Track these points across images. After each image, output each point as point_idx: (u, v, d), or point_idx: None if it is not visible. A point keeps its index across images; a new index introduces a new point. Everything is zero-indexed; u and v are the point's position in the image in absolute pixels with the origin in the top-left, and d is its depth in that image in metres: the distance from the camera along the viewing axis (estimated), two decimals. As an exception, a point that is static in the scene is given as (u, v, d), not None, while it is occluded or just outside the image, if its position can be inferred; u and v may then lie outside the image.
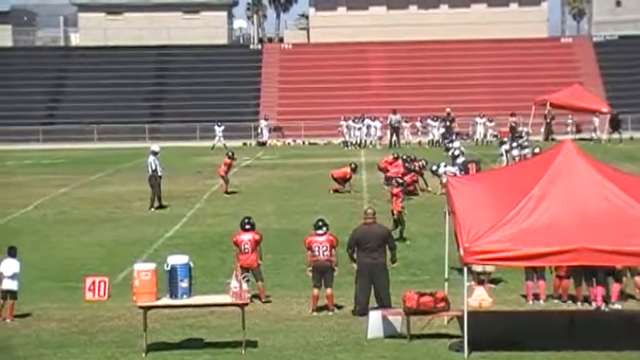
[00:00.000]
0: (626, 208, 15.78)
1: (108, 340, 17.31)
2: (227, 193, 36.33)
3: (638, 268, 18.69)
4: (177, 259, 16.49)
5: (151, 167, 33.43)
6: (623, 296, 19.38)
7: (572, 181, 16.16)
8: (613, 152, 49.75)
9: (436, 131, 59.10)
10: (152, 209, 33.08)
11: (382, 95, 68.48)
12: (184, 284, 16.32)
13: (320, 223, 19.19)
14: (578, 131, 61.43)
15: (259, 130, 63.44)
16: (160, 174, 33.45)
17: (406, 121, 59.28)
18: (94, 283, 20.65)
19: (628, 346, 16.10)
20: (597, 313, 18.64)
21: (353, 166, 36.91)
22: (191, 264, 16.55)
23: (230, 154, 37.51)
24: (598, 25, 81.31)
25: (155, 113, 69.61)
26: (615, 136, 58.18)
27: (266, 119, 64.10)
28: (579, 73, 70.32)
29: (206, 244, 26.52)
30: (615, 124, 58.72)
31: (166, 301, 16.47)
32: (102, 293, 20.55)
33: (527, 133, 56.18)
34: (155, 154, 33.75)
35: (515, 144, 42.41)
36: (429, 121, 59.91)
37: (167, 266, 16.38)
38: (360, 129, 59.23)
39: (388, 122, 59.10)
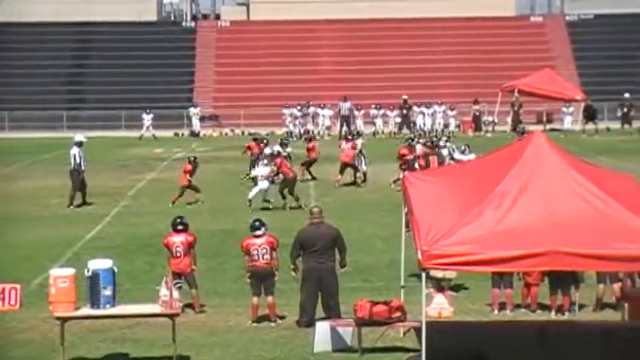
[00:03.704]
0: (602, 207, 15.87)
1: (20, 356, 17.19)
2: (174, 203, 32.96)
3: (619, 274, 18.84)
4: (100, 264, 16.42)
5: (74, 160, 33.19)
6: (599, 305, 19.60)
7: (543, 176, 16.24)
8: (588, 144, 50.21)
9: (392, 121, 59.37)
10: (71, 207, 32.89)
11: (332, 80, 68.54)
12: (107, 292, 16.26)
13: (257, 224, 19.12)
14: (549, 121, 62.07)
15: (190, 119, 63.01)
16: (83, 168, 33.22)
17: (358, 109, 59.37)
18: (3, 290, 20.48)
19: (603, 359, 16.25)
20: (570, 323, 18.80)
21: (355, 132, 41.77)
22: (115, 269, 16.48)
23: (191, 159, 35.01)
24: (571, 3, 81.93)
25: (74, 99, 69.19)
26: (590, 126, 58.63)
27: (195, 106, 63.35)
28: (550, 56, 70.90)
29: (132, 247, 26.42)
30: (590, 114, 59.15)
31: (87, 311, 16.38)
32: (12, 302, 20.40)
33: (494, 123, 56.57)
34: (79, 145, 33.50)
35: (449, 144, 37.70)
36: (383, 110, 60.00)
37: (88, 272, 16.29)
38: (304, 117, 59.24)
39: (338, 110, 59.20)
